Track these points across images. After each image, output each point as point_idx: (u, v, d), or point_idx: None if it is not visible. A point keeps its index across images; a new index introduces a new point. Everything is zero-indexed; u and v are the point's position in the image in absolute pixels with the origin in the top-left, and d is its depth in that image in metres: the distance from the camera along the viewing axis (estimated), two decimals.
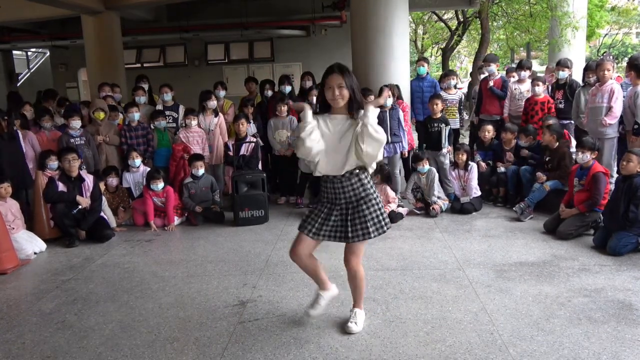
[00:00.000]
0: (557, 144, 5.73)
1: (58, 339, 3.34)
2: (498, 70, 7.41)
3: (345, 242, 3.04)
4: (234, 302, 3.76)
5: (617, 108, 5.57)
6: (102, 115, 6.39)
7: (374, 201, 3.01)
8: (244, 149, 6.37)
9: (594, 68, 6.02)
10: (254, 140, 6.46)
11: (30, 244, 5.10)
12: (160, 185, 5.82)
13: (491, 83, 7.00)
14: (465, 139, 8.24)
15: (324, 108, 3.00)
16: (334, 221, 3.02)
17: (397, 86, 6.68)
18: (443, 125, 6.33)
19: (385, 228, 3.01)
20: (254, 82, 7.83)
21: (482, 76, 7.48)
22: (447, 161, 6.33)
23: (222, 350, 3.09)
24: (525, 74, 6.89)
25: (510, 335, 3.10)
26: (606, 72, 5.63)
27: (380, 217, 3.01)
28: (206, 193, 6.10)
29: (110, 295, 4.03)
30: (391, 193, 5.84)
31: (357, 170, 2.97)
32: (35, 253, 5.10)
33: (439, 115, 6.37)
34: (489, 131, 6.42)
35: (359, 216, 2.97)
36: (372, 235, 2.97)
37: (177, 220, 5.99)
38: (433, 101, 6.38)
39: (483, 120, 7.03)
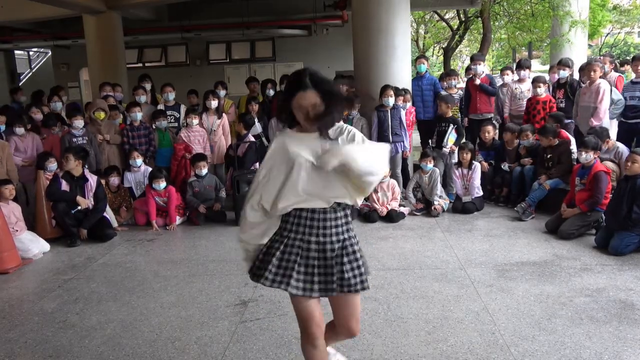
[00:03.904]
0: (557, 141, 5.76)
1: (60, 338, 3.34)
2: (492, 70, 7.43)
3: (349, 292, 2.22)
4: (236, 302, 3.76)
5: (603, 108, 5.76)
6: (102, 115, 6.39)
7: (357, 246, 2.27)
8: (241, 150, 6.38)
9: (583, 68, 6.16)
10: (249, 140, 6.46)
11: (36, 244, 5.11)
12: (162, 184, 5.82)
13: (478, 81, 6.95)
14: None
15: (288, 121, 2.23)
16: (318, 270, 2.21)
17: (407, 90, 6.76)
18: (451, 125, 6.37)
19: (367, 284, 2.26)
20: (255, 82, 7.85)
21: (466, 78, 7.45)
22: (454, 160, 6.33)
23: (223, 349, 3.09)
24: (525, 73, 6.88)
25: (511, 335, 3.09)
26: (592, 73, 5.82)
27: (363, 269, 2.26)
28: (209, 192, 6.11)
29: (112, 294, 4.04)
30: (397, 189, 5.85)
31: (344, 204, 2.23)
32: (43, 253, 5.12)
33: (449, 114, 6.44)
34: (489, 131, 6.43)
35: (349, 260, 2.22)
36: (364, 285, 2.24)
37: (178, 219, 6.00)
38: (440, 103, 6.47)
39: (473, 120, 7.01)
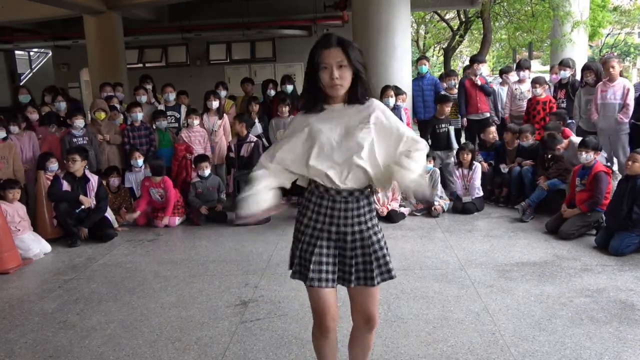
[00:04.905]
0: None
1: (60, 338, 3.34)
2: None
3: (366, 285, 2.16)
4: (236, 302, 3.76)
5: (632, 105, 5.78)
6: (102, 115, 6.39)
7: (381, 234, 2.19)
8: (244, 150, 6.38)
9: (591, 68, 6.12)
10: (254, 140, 6.46)
11: (37, 244, 5.12)
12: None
13: (478, 82, 6.94)
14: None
15: (313, 99, 2.11)
16: (337, 259, 2.16)
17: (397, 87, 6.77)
18: (449, 125, 6.39)
19: (393, 273, 2.19)
20: (250, 83, 7.86)
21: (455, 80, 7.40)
22: (452, 160, 6.35)
23: (223, 350, 3.09)
24: (525, 73, 6.89)
25: (512, 335, 3.09)
26: (611, 69, 5.79)
27: (388, 258, 2.19)
28: (212, 193, 6.11)
29: (112, 294, 4.04)
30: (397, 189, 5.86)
31: (368, 189, 2.16)
32: (44, 254, 5.12)
33: (444, 115, 6.46)
34: (492, 132, 6.43)
35: (372, 251, 2.14)
36: (384, 277, 2.17)
37: (178, 220, 6.00)
38: (444, 104, 6.46)
39: (473, 120, 7.01)
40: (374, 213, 2.20)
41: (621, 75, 6.00)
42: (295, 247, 2.20)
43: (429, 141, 6.60)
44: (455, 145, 6.41)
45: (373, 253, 2.13)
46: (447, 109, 6.47)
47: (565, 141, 5.60)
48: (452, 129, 6.41)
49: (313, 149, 2.07)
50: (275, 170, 2.15)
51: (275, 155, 2.14)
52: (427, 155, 5.86)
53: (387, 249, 2.19)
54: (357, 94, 2.08)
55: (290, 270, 2.22)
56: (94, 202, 5.60)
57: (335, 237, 2.13)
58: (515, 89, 6.89)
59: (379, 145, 2.08)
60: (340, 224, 2.12)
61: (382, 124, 2.09)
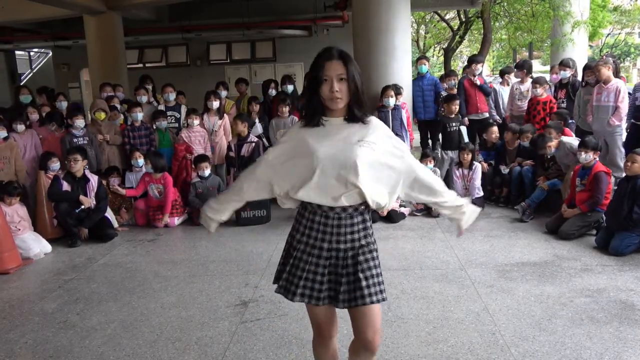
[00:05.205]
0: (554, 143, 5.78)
1: (60, 338, 3.35)
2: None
3: (357, 306, 2.06)
4: (236, 302, 3.76)
5: (624, 108, 5.78)
6: (102, 115, 6.40)
7: (375, 253, 2.12)
8: (245, 150, 6.38)
9: (592, 68, 6.14)
10: (255, 140, 6.46)
11: (38, 244, 5.12)
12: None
13: (477, 82, 6.97)
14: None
15: (314, 110, 2.05)
16: (327, 278, 2.09)
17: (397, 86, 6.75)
18: (459, 124, 6.42)
19: (384, 295, 2.10)
20: (244, 83, 7.87)
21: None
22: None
23: (223, 350, 3.09)
24: (522, 74, 6.90)
25: (512, 335, 3.10)
26: (597, 73, 5.85)
27: (381, 279, 2.11)
28: (213, 193, 6.11)
29: (112, 294, 4.04)
30: None
31: (363, 207, 2.08)
32: (45, 254, 5.13)
33: (453, 114, 6.47)
34: (494, 132, 6.44)
35: (365, 268, 2.07)
36: (378, 298, 2.06)
37: (177, 219, 6.00)
38: (451, 103, 6.46)
39: (473, 120, 7.02)
40: (370, 231, 2.11)
41: (617, 76, 5.98)
42: (286, 261, 2.15)
43: (439, 141, 6.60)
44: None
45: (366, 270, 2.05)
46: (455, 107, 6.47)
47: (555, 141, 5.59)
48: (463, 128, 6.41)
49: (310, 166, 2.00)
50: (261, 188, 2.15)
51: (262, 170, 2.13)
52: (427, 155, 5.93)
53: (380, 269, 2.12)
54: (357, 111, 2.03)
55: (276, 285, 2.20)
56: (94, 202, 5.60)
57: (327, 254, 2.06)
58: (515, 89, 6.90)
59: (377, 165, 2.03)
60: (332, 240, 2.05)
61: (383, 145, 2.05)
